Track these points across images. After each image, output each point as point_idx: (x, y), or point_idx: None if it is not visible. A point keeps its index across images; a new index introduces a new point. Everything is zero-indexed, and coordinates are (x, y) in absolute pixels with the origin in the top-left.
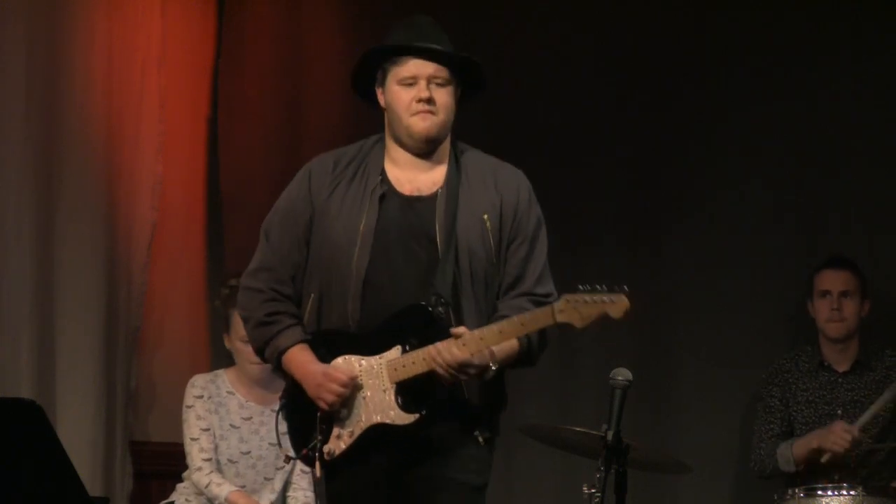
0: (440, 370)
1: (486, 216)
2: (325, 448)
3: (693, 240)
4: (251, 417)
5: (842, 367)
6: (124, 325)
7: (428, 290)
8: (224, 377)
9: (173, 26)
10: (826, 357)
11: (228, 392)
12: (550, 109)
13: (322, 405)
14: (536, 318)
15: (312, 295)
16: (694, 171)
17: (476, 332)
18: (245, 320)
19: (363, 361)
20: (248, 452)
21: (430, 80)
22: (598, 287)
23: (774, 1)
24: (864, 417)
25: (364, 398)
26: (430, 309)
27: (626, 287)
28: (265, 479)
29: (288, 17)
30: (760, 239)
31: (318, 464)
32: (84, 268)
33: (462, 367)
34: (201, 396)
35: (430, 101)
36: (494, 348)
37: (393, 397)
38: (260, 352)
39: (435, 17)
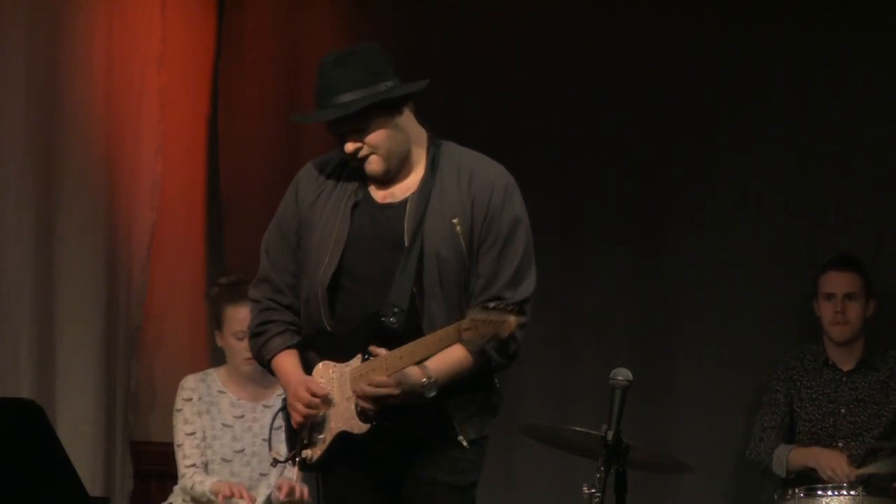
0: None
1: (455, 220)
2: (305, 453)
3: (693, 239)
4: (243, 415)
5: (846, 366)
6: (124, 325)
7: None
8: (215, 376)
9: (173, 26)
10: (831, 356)
11: (219, 391)
12: (550, 109)
13: (293, 420)
14: (441, 338)
15: (302, 302)
16: (695, 171)
17: (389, 353)
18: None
19: (336, 368)
20: (242, 450)
21: (351, 132)
22: (494, 305)
23: (775, 0)
24: (867, 469)
25: (334, 405)
26: (381, 319)
27: (513, 307)
28: (260, 475)
29: (288, 17)
30: (761, 238)
31: (297, 467)
32: (84, 268)
33: (378, 398)
34: (190, 399)
35: (357, 152)
36: (432, 368)
37: (354, 406)
38: (259, 362)
39: (432, 18)
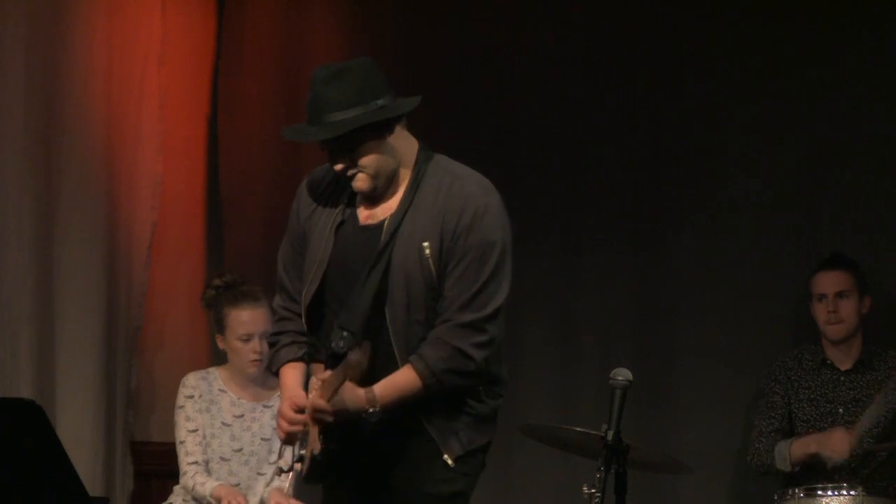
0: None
1: (426, 243)
2: (297, 466)
3: (693, 240)
4: (243, 415)
5: (844, 366)
6: (124, 325)
7: (338, 325)
8: (216, 374)
9: (173, 26)
10: (828, 355)
11: (220, 390)
12: (550, 109)
13: (278, 435)
14: (336, 376)
15: None
16: (694, 171)
17: (326, 379)
18: None
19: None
20: (241, 449)
21: (338, 151)
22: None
23: (774, 1)
24: (862, 425)
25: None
26: (331, 343)
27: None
28: (258, 474)
29: (288, 16)
30: (761, 238)
31: (290, 478)
32: (84, 268)
33: (318, 412)
34: (192, 396)
35: (346, 170)
36: (378, 394)
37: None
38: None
39: (431, 19)
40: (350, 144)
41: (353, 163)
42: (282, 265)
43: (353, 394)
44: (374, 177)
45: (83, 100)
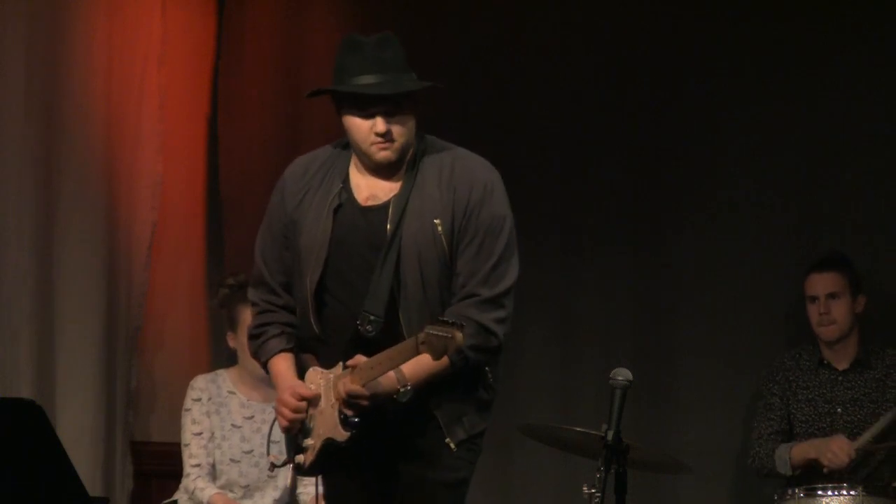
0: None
1: (437, 220)
2: (299, 458)
3: (693, 240)
4: (253, 416)
5: (842, 366)
6: (124, 325)
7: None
8: (225, 376)
9: (173, 26)
10: (825, 356)
11: (229, 392)
12: (550, 111)
13: (279, 425)
14: (403, 350)
15: (298, 305)
16: (695, 171)
17: (363, 363)
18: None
19: (323, 375)
20: (251, 451)
21: (384, 113)
22: (447, 320)
23: (774, 1)
24: (864, 438)
25: (321, 412)
26: (358, 326)
27: (462, 323)
28: (269, 476)
29: (288, 16)
30: (761, 239)
31: (291, 472)
32: (84, 268)
33: (353, 398)
34: (199, 399)
35: (386, 133)
36: (408, 375)
37: (337, 413)
38: (258, 363)
39: (432, 19)
40: (395, 109)
41: (391, 133)
42: (261, 258)
43: (385, 376)
44: (402, 149)
45: (83, 100)
